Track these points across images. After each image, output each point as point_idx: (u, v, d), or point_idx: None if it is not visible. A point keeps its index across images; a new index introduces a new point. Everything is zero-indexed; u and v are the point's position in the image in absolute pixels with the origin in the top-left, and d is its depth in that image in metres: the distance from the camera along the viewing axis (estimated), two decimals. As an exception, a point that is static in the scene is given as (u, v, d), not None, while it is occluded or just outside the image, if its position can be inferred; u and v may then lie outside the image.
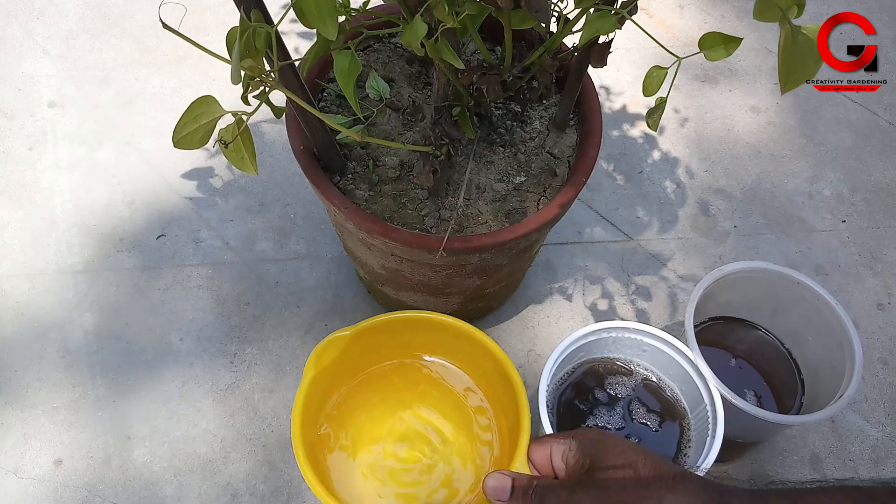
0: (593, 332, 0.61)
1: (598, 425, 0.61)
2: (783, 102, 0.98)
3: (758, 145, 0.94)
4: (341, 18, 0.48)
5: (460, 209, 0.60)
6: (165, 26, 0.40)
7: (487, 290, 0.69)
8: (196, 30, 1.00)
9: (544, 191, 0.62)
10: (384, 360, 0.60)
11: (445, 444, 0.58)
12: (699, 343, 0.62)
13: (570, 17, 0.51)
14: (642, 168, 0.91)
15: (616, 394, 0.63)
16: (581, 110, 0.64)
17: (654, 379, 0.64)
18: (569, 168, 0.63)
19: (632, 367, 0.65)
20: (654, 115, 0.49)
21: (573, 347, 0.61)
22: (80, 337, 0.76)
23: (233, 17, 0.43)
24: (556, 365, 0.59)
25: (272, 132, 0.92)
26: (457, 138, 0.55)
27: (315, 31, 0.40)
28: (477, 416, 0.59)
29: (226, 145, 0.42)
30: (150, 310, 0.78)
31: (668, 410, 0.62)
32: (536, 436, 0.48)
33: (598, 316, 0.80)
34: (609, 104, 0.96)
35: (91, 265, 0.81)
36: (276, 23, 0.41)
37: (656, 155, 0.92)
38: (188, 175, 0.88)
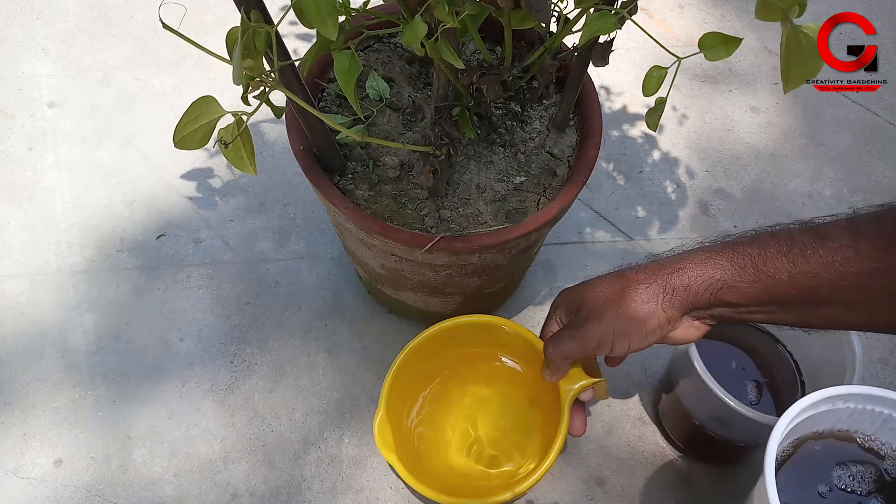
0: (825, 401, 0.48)
1: None
2: (783, 102, 0.98)
3: (758, 145, 0.94)
4: (341, 18, 0.48)
5: (458, 210, 0.60)
6: (165, 26, 0.40)
7: (487, 290, 0.69)
8: (196, 30, 1.00)
9: (544, 191, 0.62)
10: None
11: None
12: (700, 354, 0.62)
13: (570, 17, 0.51)
14: (642, 168, 0.91)
15: (849, 488, 0.50)
16: (581, 110, 0.64)
17: None
18: (569, 168, 0.63)
19: (874, 449, 0.51)
20: (653, 115, 0.49)
21: (798, 420, 0.48)
22: (80, 337, 0.76)
23: (233, 17, 0.43)
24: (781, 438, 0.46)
25: (272, 132, 0.92)
26: (457, 138, 0.55)
27: (315, 31, 0.40)
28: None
29: (225, 145, 0.42)
30: (150, 310, 0.78)
31: None
32: None
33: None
34: (609, 104, 0.96)
35: (91, 265, 0.81)
36: (276, 23, 0.41)
37: (656, 155, 0.92)
38: (188, 175, 0.88)
